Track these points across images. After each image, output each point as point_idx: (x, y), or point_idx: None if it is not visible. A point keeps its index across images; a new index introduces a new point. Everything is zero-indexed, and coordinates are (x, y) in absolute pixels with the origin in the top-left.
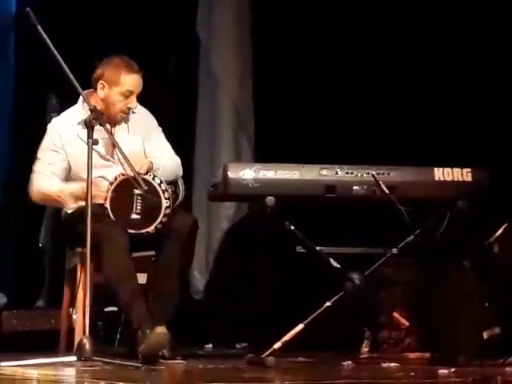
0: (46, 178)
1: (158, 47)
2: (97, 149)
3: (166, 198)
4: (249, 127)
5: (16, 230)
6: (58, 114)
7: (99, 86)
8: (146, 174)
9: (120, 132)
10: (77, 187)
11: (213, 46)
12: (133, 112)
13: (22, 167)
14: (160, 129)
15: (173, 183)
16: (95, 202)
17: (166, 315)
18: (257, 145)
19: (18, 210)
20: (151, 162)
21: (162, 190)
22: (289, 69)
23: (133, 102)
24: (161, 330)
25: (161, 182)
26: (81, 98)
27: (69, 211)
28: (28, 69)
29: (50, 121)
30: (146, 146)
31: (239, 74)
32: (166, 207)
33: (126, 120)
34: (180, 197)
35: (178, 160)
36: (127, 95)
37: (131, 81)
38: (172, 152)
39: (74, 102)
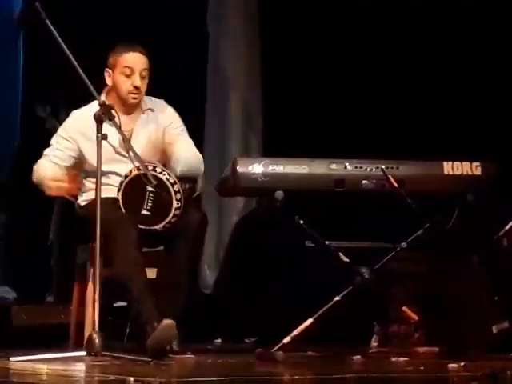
0: (46, 162)
1: (168, 42)
2: (112, 143)
3: (177, 200)
4: (258, 123)
5: (25, 224)
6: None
7: (106, 74)
8: (161, 173)
9: (139, 127)
10: (59, 185)
11: (222, 42)
12: (153, 110)
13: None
14: (182, 124)
15: (192, 180)
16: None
17: (176, 310)
18: (266, 140)
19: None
20: (171, 145)
21: (175, 191)
22: (297, 64)
23: (136, 79)
24: (168, 322)
25: (174, 182)
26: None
27: (82, 204)
28: (38, 66)
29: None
30: (166, 136)
31: (248, 70)
32: (177, 208)
33: (143, 112)
34: (199, 189)
35: (200, 156)
36: (128, 74)
37: (128, 58)
38: (193, 149)
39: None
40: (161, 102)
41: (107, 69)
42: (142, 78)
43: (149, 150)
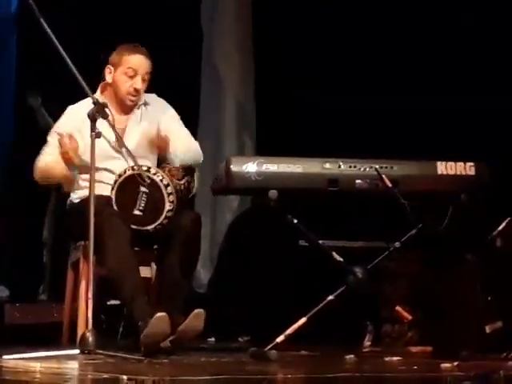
0: (42, 156)
1: (162, 42)
2: (109, 139)
3: (170, 202)
4: (251, 122)
5: (18, 222)
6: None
7: (107, 71)
8: (155, 174)
9: (132, 123)
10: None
11: (216, 41)
12: (147, 104)
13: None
14: (178, 116)
15: (189, 175)
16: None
17: (175, 312)
18: (259, 140)
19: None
20: (167, 137)
21: (168, 193)
22: (291, 64)
23: (138, 82)
24: (160, 315)
25: (168, 184)
26: (98, 89)
27: (75, 201)
28: (31, 65)
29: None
30: (162, 127)
31: (242, 70)
32: (169, 210)
33: (138, 107)
34: (195, 187)
35: (196, 145)
36: (131, 75)
37: (133, 60)
38: (190, 137)
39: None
40: (153, 96)
41: (109, 65)
42: (143, 81)
43: (142, 146)
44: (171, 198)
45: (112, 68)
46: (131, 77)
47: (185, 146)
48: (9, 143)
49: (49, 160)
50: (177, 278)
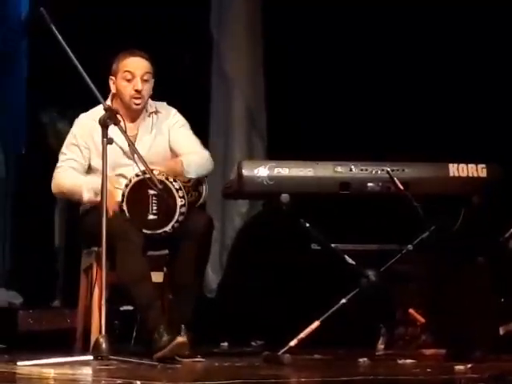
0: (63, 171)
1: (172, 46)
2: (121, 146)
3: (180, 197)
4: (261, 125)
5: (32, 229)
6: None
7: (110, 82)
8: (159, 174)
9: (143, 131)
10: (92, 179)
11: (225, 44)
12: (158, 112)
13: None
14: (187, 124)
15: (196, 181)
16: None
17: (186, 315)
18: (269, 143)
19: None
20: (181, 161)
21: (176, 189)
22: (301, 66)
23: (137, 83)
24: (181, 340)
25: (174, 180)
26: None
27: (87, 207)
28: (42, 73)
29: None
30: (172, 143)
31: (251, 73)
32: (181, 205)
33: (149, 115)
34: (203, 196)
35: (207, 153)
36: (129, 78)
37: (129, 63)
38: (200, 146)
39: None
40: (163, 105)
41: (111, 76)
42: (144, 81)
43: (154, 154)
44: (180, 193)
45: (114, 78)
46: (130, 80)
47: (197, 161)
48: (20, 150)
49: (72, 181)
50: (187, 281)
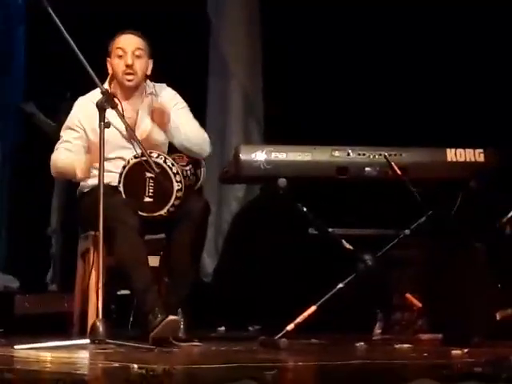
0: (58, 153)
1: (169, 31)
2: (119, 129)
3: (177, 181)
4: (258, 110)
5: (29, 213)
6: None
7: (108, 65)
8: (158, 157)
9: (143, 114)
10: (84, 157)
11: (222, 31)
12: (157, 95)
13: None
14: (186, 105)
15: (194, 164)
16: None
17: (181, 298)
18: (266, 128)
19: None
20: (169, 114)
21: (174, 173)
22: (298, 51)
23: (128, 58)
24: (173, 318)
25: (172, 164)
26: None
27: (85, 190)
28: (40, 60)
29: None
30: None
31: (249, 57)
32: (178, 190)
33: (147, 95)
34: (201, 180)
35: (205, 134)
36: (120, 54)
37: (120, 40)
38: (198, 125)
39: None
40: (162, 86)
41: (107, 58)
42: (136, 57)
43: (154, 134)
44: (178, 177)
45: (109, 59)
46: (121, 56)
47: (195, 129)
48: (16, 136)
49: (64, 161)
50: (184, 265)
